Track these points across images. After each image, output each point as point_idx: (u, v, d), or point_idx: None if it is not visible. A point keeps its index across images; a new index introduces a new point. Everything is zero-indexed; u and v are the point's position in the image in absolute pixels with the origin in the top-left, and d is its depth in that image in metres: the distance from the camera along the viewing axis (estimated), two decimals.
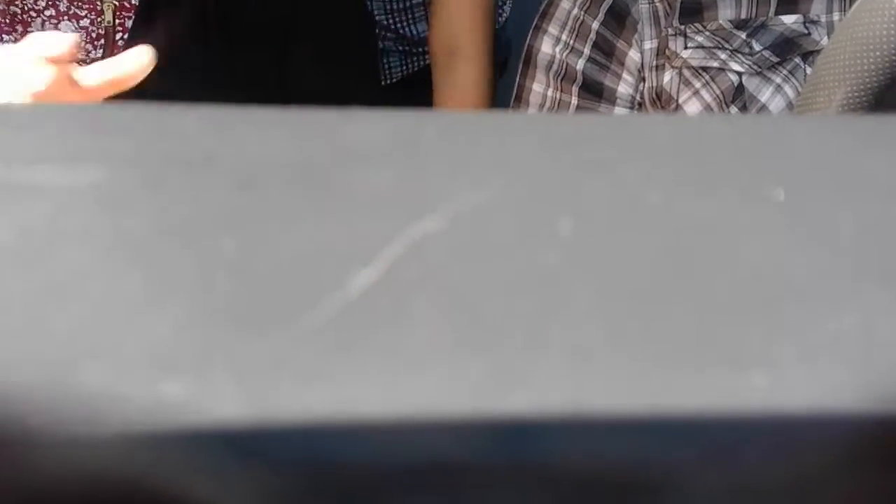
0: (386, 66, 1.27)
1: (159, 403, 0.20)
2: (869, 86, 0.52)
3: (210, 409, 0.20)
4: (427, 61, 1.28)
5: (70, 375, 0.20)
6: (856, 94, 0.52)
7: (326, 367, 0.21)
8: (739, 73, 0.96)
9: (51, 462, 0.19)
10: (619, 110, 1.01)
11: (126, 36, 1.03)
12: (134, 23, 1.03)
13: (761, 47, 0.96)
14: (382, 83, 1.26)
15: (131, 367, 0.20)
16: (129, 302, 0.22)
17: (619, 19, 0.99)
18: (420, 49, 1.29)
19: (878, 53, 0.51)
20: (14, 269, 0.23)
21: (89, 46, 1.02)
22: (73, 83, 0.68)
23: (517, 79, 1.04)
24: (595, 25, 1.00)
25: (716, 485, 0.21)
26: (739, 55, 0.97)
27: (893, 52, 0.51)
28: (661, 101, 0.98)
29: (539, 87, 1.02)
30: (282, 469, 0.20)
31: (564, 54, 1.01)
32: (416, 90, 1.27)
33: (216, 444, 0.20)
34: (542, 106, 1.02)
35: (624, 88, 1.00)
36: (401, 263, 0.23)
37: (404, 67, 1.30)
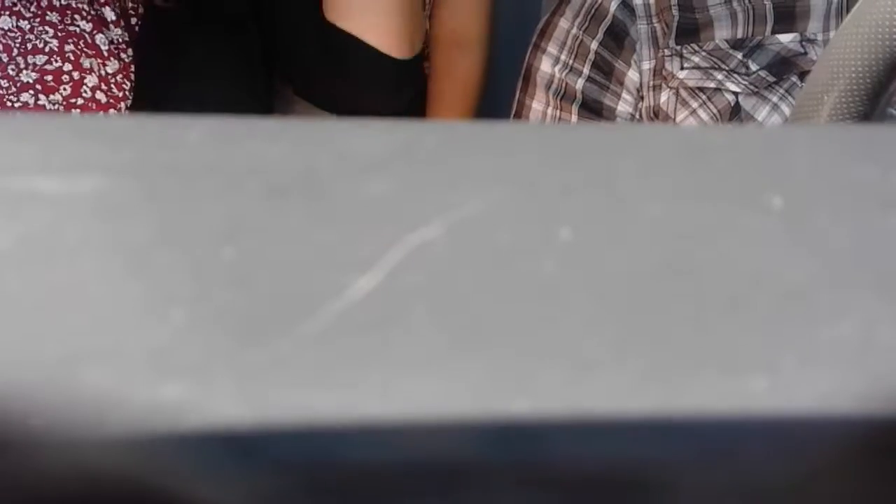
0: None
1: (160, 406, 0.20)
2: (862, 86, 0.52)
3: (210, 412, 0.20)
4: None
5: (71, 378, 0.20)
6: (848, 93, 0.52)
7: (326, 370, 0.21)
8: (736, 93, 0.97)
9: (52, 463, 0.19)
10: None
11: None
12: None
13: (758, 67, 0.97)
14: None
15: (132, 370, 0.20)
16: (130, 307, 0.22)
17: (618, 40, 1.00)
18: None
19: (878, 46, 0.51)
20: (16, 276, 0.23)
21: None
22: None
23: (516, 96, 1.04)
24: (594, 46, 1.01)
25: (715, 488, 0.21)
26: (736, 75, 0.97)
27: (888, 51, 0.51)
28: (659, 119, 0.99)
29: (539, 105, 1.03)
30: (282, 471, 0.20)
31: (564, 73, 1.01)
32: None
33: (216, 447, 0.20)
34: (541, 124, 1.02)
35: (623, 107, 1.00)
36: (400, 271, 0.23)
37: None
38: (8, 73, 0.98)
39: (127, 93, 1.01)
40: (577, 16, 1.01)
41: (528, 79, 1.03)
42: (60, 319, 0.22)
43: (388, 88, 1.04)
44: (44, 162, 0.26)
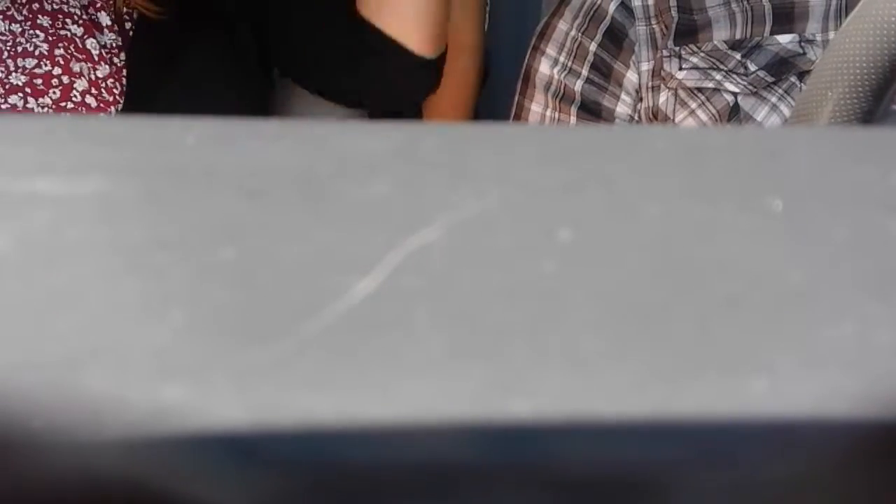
0: None
1: (160, 407, 0.20)
2: (866, 83, 0.52)
3: (211, 414, 0.20)
4: None
5: (72, 380, 0.20)
6: (852, 90, 0.52)
7: (326, 372, 0.21)
8: (735, 94, 0.97)
9: (53, 465, 0.19)
10: None
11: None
12: None
13: (756, 67, 0.97)
14: None
15: (133, 371, 0.20)
16: (131, 308, 0.22)
17: (617, 41, 1.00)
18: None
19: (881, 43, 0.52)
20: (17, 277, 0.23)
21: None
22: None
23: (515, 98, 1.04)
24: (593, 47, 1.01)
25: (714, 489, 0.21)
26: (735, 75, 0.97)
27: (892, 49, 0.51)
28: (658, 120, 0.99)
29: (538, 107, 1.03)
30: (282, 473, 0.20)
31: (563, 75, 1.01)
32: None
33: (217, 448, 0.20)
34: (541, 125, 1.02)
35: (622, 109, 1.00)
36: (400, 273, 0.23)
37: None
38: None
39: (118, 97, 1.01)
40: (575, 17, 1.01)
41: (528, 81, 1.03)
42: (60, 321, 0.22)
43: (416, 85, 1.05)
44: (44, 163, 0.26)
